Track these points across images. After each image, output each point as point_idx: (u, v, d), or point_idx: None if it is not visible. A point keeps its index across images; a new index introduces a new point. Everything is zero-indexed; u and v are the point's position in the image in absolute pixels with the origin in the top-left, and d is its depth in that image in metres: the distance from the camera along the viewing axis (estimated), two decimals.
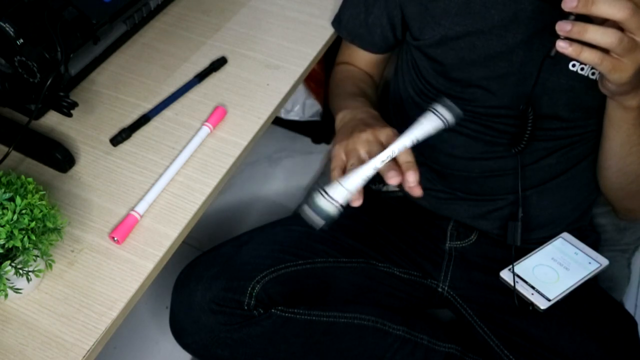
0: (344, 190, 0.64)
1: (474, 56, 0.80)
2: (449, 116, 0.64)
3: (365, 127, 0.73)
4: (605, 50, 0.59)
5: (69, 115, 0.74)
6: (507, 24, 0.76)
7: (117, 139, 0.75)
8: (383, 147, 0.68)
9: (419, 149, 0.92)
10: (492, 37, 0.77)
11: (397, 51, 0.98)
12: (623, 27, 0.57)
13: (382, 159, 0.65)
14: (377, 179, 1.09)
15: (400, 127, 0.95)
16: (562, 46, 0.59)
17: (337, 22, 0.93)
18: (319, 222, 0.64)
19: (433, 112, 0.65)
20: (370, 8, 0.89)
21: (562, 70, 0.76)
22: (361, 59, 0.97)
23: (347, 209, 0.76)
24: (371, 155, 0.67)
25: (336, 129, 0.81)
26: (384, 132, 0.71)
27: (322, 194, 0.64)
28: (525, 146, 0.80)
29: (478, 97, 0.82)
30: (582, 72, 0.75)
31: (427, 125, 0.65)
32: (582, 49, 0.59)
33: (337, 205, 0.64)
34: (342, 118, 0.81)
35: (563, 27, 0.58)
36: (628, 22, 0.56)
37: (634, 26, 0.57)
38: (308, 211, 0.64)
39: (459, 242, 0.93)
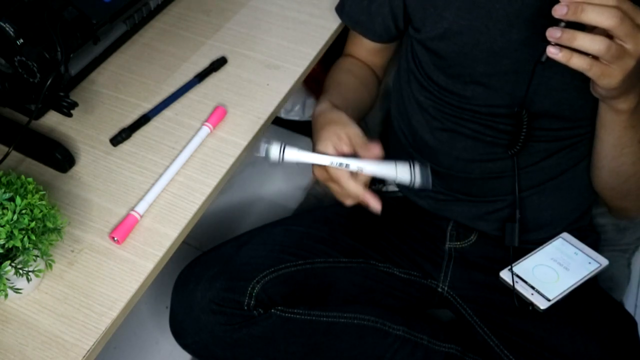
0: (293, 153, 0.70)
1: (476, 52, 0.79)
2: (419, 180, 0.69)
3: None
4: (595, 57, 0.60)
5: (69, 115, 0.74)
6: (512, 20, 0.76)
7: (117, 139, 0.75)
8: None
9: (419, 149, 0.92)
10: (496, 32, 0.77)
11: (398, 51, 0.98)
12: (612, 34, 0.58)
13: (337, 161, 0.69)
14: (376, 179, 1.09)
15: (400, 124, 0.96)
16: (552, 52, 0.61)
17: (340, 7, 0.93)
18: (262, 153, 0.70)
19: (410, 167, 0.69)
20: None
21: (565, 69, 0.76)
22: (363, 47, 0.97)
23: (345, 209, 0.76)
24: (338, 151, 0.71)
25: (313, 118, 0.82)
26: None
27: (280, 146, 0.69)
28: (521, 148, 0.80)
29: (479, 94, 0.82)
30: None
31: (397, 173, 0.69)
32: (571, 55, 0.60)
33: (280, 155, 0.69)
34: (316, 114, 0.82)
35: (553, 33, 0.60)
36: (616, 30, 0.58)
37: (622, 34, 0.58)
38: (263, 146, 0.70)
39: (458, 243, 0.93)
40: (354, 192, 0.70)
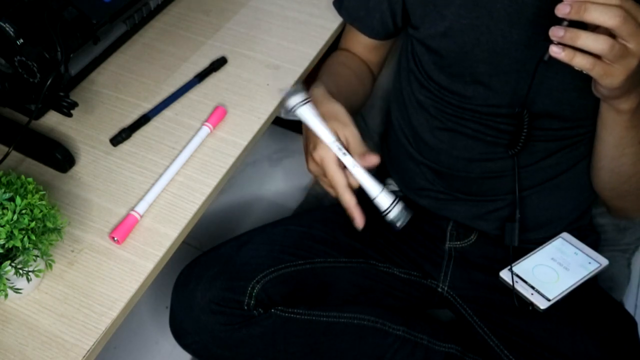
0: (307, 112, 0.70)
1: (477, 51, 0.79)
2: (394, 214, 0.69)
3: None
4: (597, 56, 0.60)
5: (69, 115, 0.74)
6: (513, 20, 0.76)
7: (117, 139, 0.75)
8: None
9: (419, 149, 0.92)
10: (497, 32, 0.77)
11: (397, 50, 0.98)
12: (615, 34, 0.58)
13: (339, 145, 0.69)
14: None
15: (400, 123, 0.96)
16: (555, 51, 0.61)
17: (338, 2, 0.93)
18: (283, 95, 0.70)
19: (394, 201, 0.69)
20: None
21: (566, 69, 0.76)
22: (360, 43, 0.96)
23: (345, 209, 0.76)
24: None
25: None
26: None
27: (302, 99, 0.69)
28: (522, 148, 0.80)
29: (480, 94, 0.82)
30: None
31: (379, 196, 0.69)
32: (574, 54, 0.60)
33: (296, 106, 0.69)
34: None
35: (556, 32, 0.60)
36: (619, 29, 0.58)
37: (625, 33, 0.58)
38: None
39: (458, 242, 0.93)
40: (340, 183, 0.69)
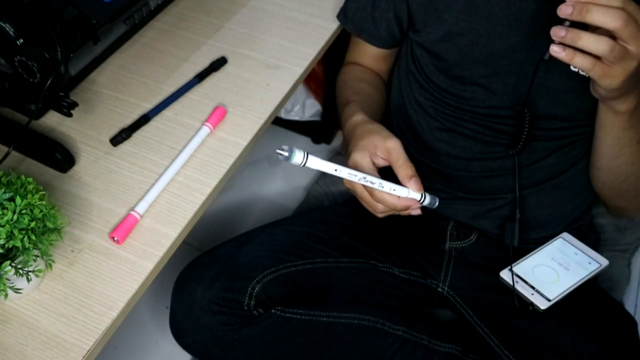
0: (316, 162, 0.68)
1: (476, 53, 0.80)
2: (427, 201, 0.75)
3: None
4: (597, 57, 0.60)
5: (69, 115, 0.74)
6: (511, 22, 0.76)
7: (117, 139, 0.75)
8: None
9: (419, 148, 0.93)
10: (495, 35, 0.77)
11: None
12: (615, 36, 0.59)
13: (355, 174, 0.70)
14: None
15: (400, 123, 0.96)
16: (555, 50, 0.61)
17: (342, 15, 0.93)
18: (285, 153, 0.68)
19: (421, 196, 0.74)
20: (377, 1, 0.89)
21: (563, 70, 0.76)
22: (368, 54, 0.97)
23: (345, 208, 0.76)
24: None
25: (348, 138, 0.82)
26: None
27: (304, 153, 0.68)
28: (523, 147, 0.80)
29: (478, 95, 0.83)
30: (583, 73, 0.75)
31: (410, 195, 0.73)
32: (574, 54, 0.60)
33: (303, 161, 0.67)
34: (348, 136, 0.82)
35: (557, 32, 0.60)
36: (621, 32, 0.58)
37: (627, 35, 0.58)
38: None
39: (458, 242, 0.93)
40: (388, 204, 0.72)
